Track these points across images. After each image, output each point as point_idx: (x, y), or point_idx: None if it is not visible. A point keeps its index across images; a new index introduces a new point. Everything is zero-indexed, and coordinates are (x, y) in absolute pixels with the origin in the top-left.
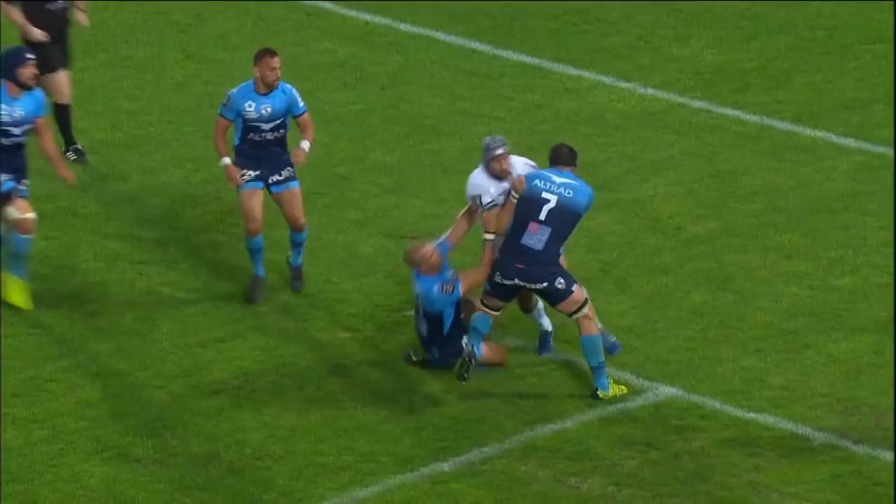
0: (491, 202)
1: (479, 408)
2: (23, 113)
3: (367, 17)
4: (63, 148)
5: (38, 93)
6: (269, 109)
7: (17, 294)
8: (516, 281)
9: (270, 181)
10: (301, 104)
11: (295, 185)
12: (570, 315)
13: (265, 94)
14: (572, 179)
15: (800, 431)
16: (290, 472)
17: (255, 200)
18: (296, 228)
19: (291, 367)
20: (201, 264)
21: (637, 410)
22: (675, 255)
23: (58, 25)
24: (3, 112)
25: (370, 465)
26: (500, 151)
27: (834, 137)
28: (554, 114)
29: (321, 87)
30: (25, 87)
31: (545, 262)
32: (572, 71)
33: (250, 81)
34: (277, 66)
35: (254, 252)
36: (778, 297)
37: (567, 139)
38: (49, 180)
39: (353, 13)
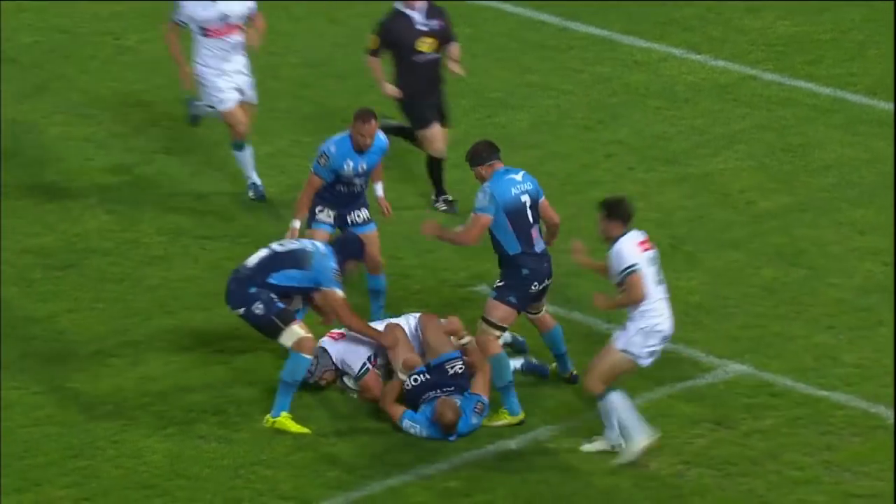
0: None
1: (547, 385)
2: None
3: None
4: (433, 197)
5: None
6: (364, 167)
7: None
8: (546, 281)
9: (349, 221)
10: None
11: (373, 229)
12: (539, 312)
13: (362, 153)
14: (521, 173)
15: (873, 410)
16: (356, 448)
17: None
18: (375, 271)
19: None
20: (265, 238)
21: (706, 388)
22: (746, 230)
23: (428, 78)
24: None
25: (436, 443)
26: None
27: None
28: (623, 87)
29: (387, 61)
30: (344, 274)
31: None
32: (642, 43)
33: (346, 136)
34: (369, 133)
35: None
36: (851, 273)
37: (636, 112)
38: (111, 151)
39: None
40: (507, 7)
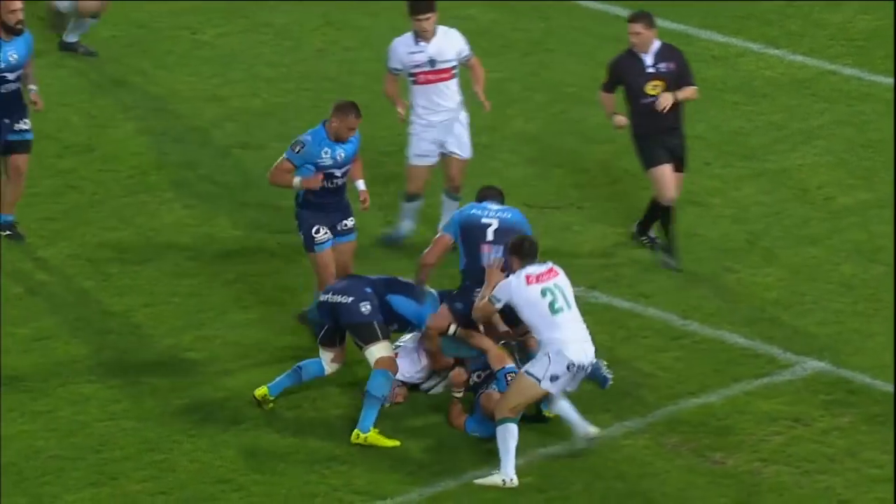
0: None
1: (622, 382)
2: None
3: None
4: (643, 239)
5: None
6: (342, 155)
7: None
8: None
9: (338, 229)
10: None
11: (354, 238)
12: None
13: (337, 142)
14: (501, 206)
15: None
16: (430, 444)
17: (332, 260)
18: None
19: None
20: None
21: (784, 385)
22: (824, 226)
23: (658, 122)
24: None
25: None
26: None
27: None
28: (700, 81)
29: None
30: None
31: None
32: (719, 38)
33: (320, 128)
34: (355, 126)
35: None
36: None
37: (714, 107)
38: (187, 146)
39: None
40: (582, 1)
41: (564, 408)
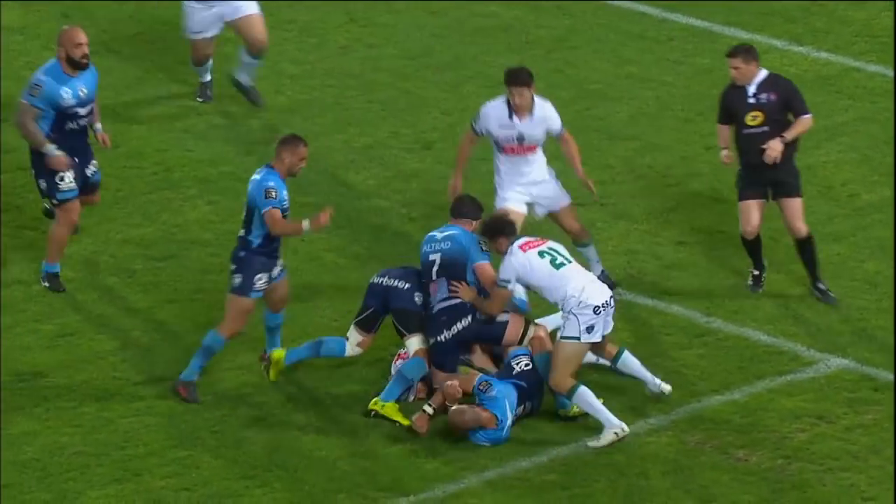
0: None
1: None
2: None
3: None
4: (811, 281)
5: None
6: (286, 194)
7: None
8: (438, 337)
9: (273, 276)
10: None
11: (285, 275)
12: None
13: (286, 182)
14: (454, 230)
15: None
16: (453, 441)
17: (253, 309)
18: (279, 311)
19: None
20: (364, 230)
21: (807, 382)
22: (849, 224)
23: (757, 153)
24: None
25: (535, 436)
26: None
27: None
28: (724, 78)
29: (486, 51)
30: None
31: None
32: (743, 34)
33: (273, 173)
34: (306, 153)
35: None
36: None
37: None
38: (211, 142)
39: None
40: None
41: (635, 366)
